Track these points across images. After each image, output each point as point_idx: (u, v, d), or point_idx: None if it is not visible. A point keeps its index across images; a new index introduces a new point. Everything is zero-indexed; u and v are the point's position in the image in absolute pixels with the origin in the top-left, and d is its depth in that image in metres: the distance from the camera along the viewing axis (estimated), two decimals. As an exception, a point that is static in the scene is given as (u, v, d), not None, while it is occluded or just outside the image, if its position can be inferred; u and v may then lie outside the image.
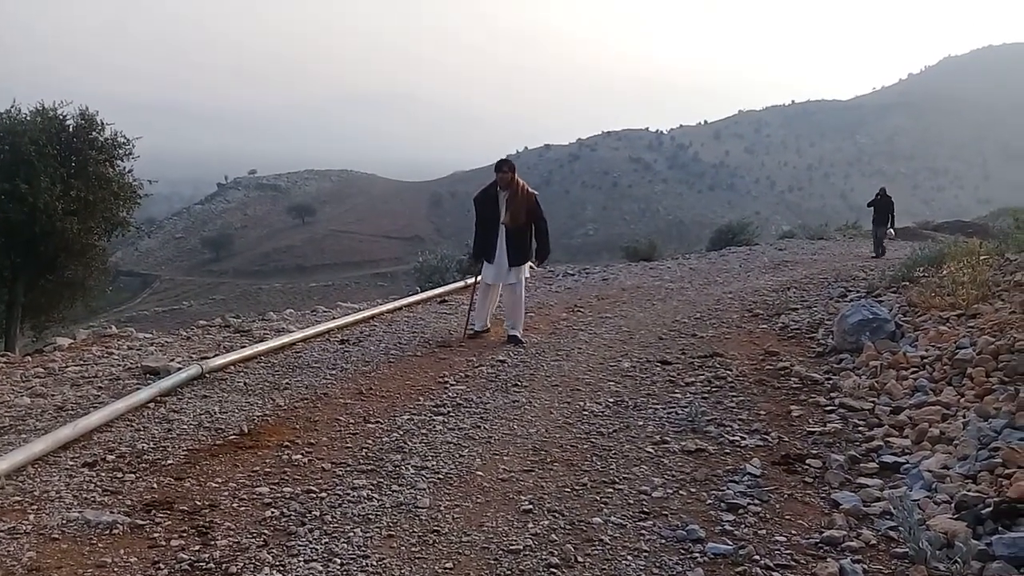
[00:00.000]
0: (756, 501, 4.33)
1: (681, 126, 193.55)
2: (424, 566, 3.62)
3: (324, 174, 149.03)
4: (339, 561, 3.65)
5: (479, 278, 9.16)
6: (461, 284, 13.00)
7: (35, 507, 4.28)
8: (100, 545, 3.82)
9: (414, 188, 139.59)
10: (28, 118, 15.65)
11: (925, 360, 6.43)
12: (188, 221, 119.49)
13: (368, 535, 3.92)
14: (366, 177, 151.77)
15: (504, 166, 8.65)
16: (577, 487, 4.55)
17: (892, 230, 20.88)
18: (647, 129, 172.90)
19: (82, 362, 7.88)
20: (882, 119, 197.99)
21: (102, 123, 16.33)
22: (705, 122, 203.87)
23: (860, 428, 5.50)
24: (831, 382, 6.64)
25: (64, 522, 4.06)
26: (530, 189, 8.70)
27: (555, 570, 3.58)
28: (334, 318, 10.07)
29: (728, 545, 3.79)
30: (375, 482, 4.62)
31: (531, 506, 4.26)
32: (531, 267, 9.84)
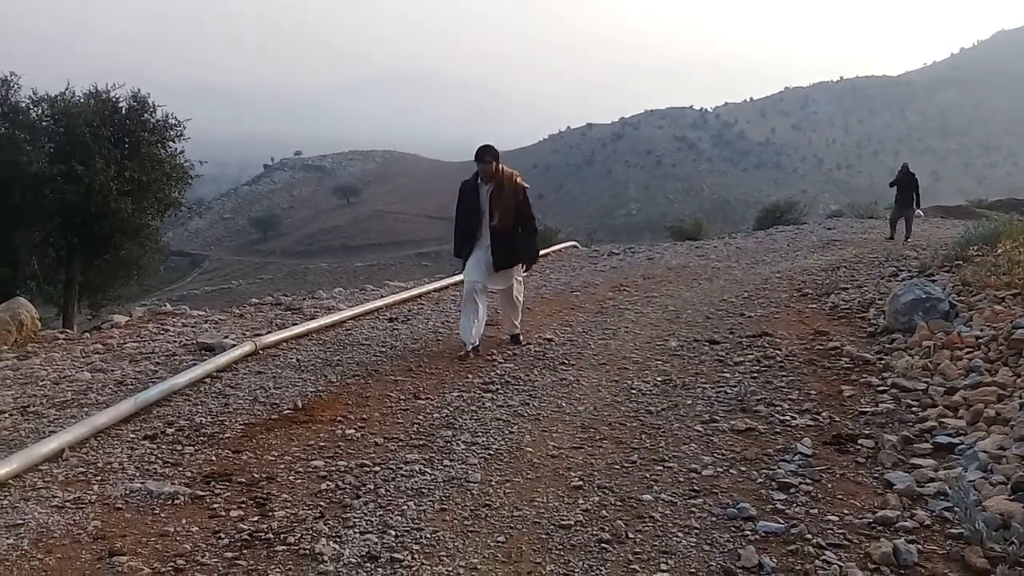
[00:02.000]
0: (807, 480, 4.31)
1: (726, 103, 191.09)
2: (477, 539, 3.68)
3: (368, 155, 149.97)
4: (393, 533, 3.72)
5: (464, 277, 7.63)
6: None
7: (99, 478, 4.42)
8: (162, 515, 3.94)
9: (457, 168, 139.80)
10: (82, 101, 15.98)
11: (980, 340, 6.32)
12: (236, 202, 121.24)
13: (422, 508, 3.99)
14: (409, 157, 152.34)
15: (487, 154, 7.11)
16: (626, 464, 4.57)
17: (920, 211, 19.72)
18: (691, 107, 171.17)
19: (139, 339, 8.08)
20: (933, 95, 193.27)
21: (154, 105, 16.62)
22: (751, 99, 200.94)
23: (913, 408, 5.44)
24: (883, 362, 6.56)
25: (127, 492, 4.20)
26: (520, 180, 7.29)
27: (606, 545, 3.61)
28: (382, 297, 10.18)
29: (780, 523, 3.79)
30: (427, 457, 4.69)
31: (581, 482, 4.30)
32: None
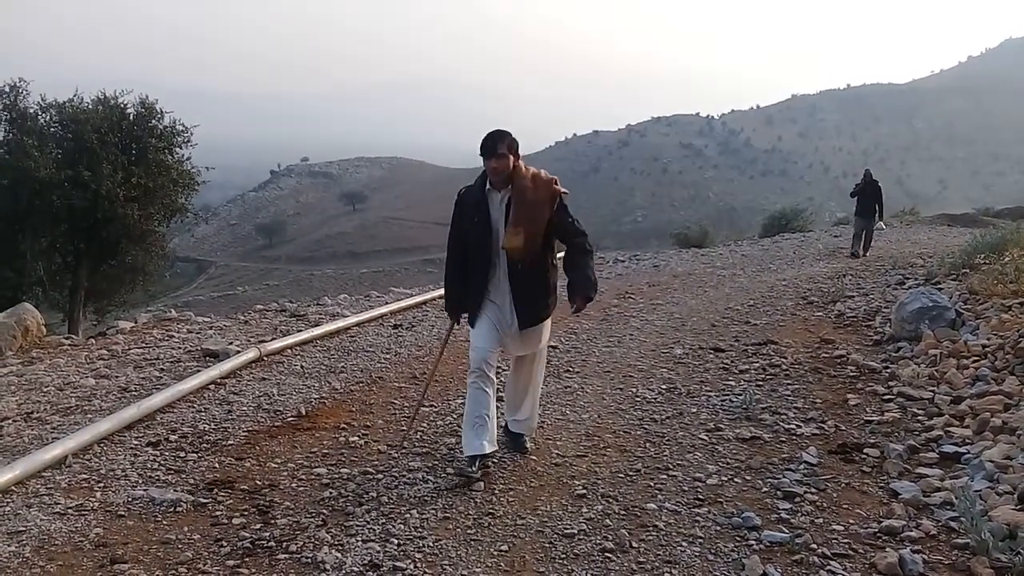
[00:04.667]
0: (813, 490, 4.28)
1: (732, 111, 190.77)
2: (480, 548, 3.67)
3: (375, 161, 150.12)
4: (396, 541, 3.70)
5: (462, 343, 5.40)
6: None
7: (102, 484, 4.42)
8: (165, 522, 3.94)
9: (462, 175, 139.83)
10: (90, 107, 16.02)
11: (987, 349, 6.28)
12: (242, 208, 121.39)
13: (424, 516, 3.97)
14: (415, 164, 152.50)
15: (499, 144, 4.46)
16: (631, 473, 4.55)
17: (882, 223, 17.85)
18: (697, 114, 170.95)
19: (144, 345, 8.09)
20: (940, 103, 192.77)
21: (161, 111, 16.66)
22: (757, 107, 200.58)
23: (919, 417, 5.41)
24: (889, 371, 6.53)
25: (130, 499, 4.19)
26: (551, 179, 4.63)
27: (610, 555, 3.59)
28: (387, 303, 10.17)
29: (784, 533, 3.76)
30: (430, 465, 4.67)
31: (585, 491, 4.28)
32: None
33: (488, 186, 4.58)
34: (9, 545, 3.65)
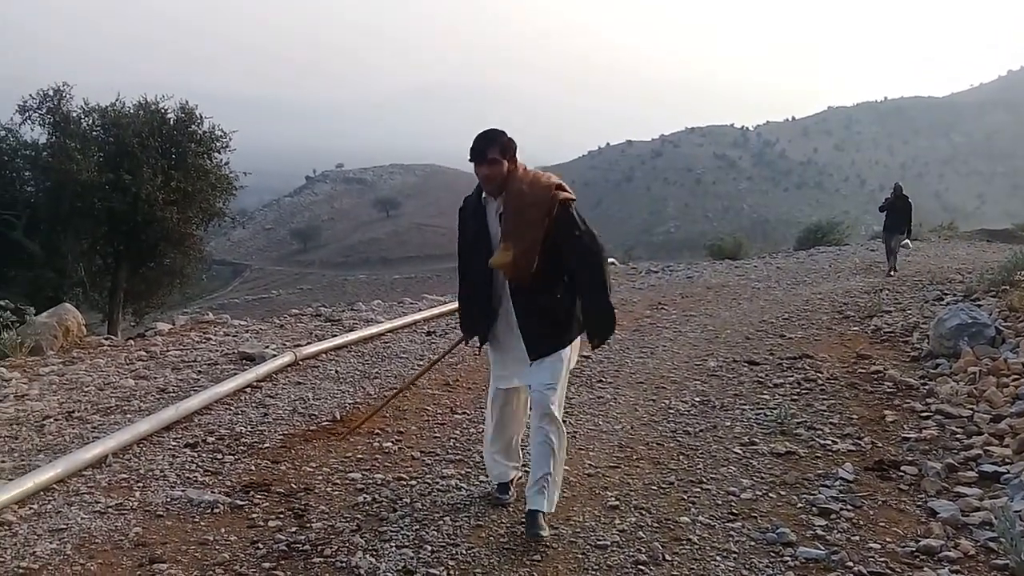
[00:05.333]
0: (849, 507, 4.24)
1: (768, 122, 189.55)
2: (512, 557, 3.67)
3: (409, 168, 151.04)
4: (429, 548, 3.72)
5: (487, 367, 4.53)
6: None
7: (141, 484, 4.49)
8: (202, 523, 3.99)
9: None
10: (131, 111, 16.31)
11: (1029, 367, 6.19)
12: (277, 212, 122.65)
13: (457, 524, 3.99)
14: (449, 171, 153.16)
15: (489, 148, 3.86)
16: (664, 485, 4.54)
17: (908, 241, 16.72)
18: (732, 125, 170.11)
19: (182, 347, 8.20)
20: (980, 116, 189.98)
21: (200, 117, 16.91)
22: (793, 118, 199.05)
23: (958, 436, 5.33)
24: (927, 387, 6.45)
25: (168, 500, 4.25)
26: (557, 188, 3.91)
27: (643, 567, 3.58)
28: (420, 310, 10.23)
29: (820, 550, 3.73)
30: (463, 472, 4.69)
31: (617, 502, 4.27)
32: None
33: (483, 195, 4.02)
34: (51, 543, 3.72)
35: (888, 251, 15.60)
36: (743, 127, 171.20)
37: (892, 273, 14.71)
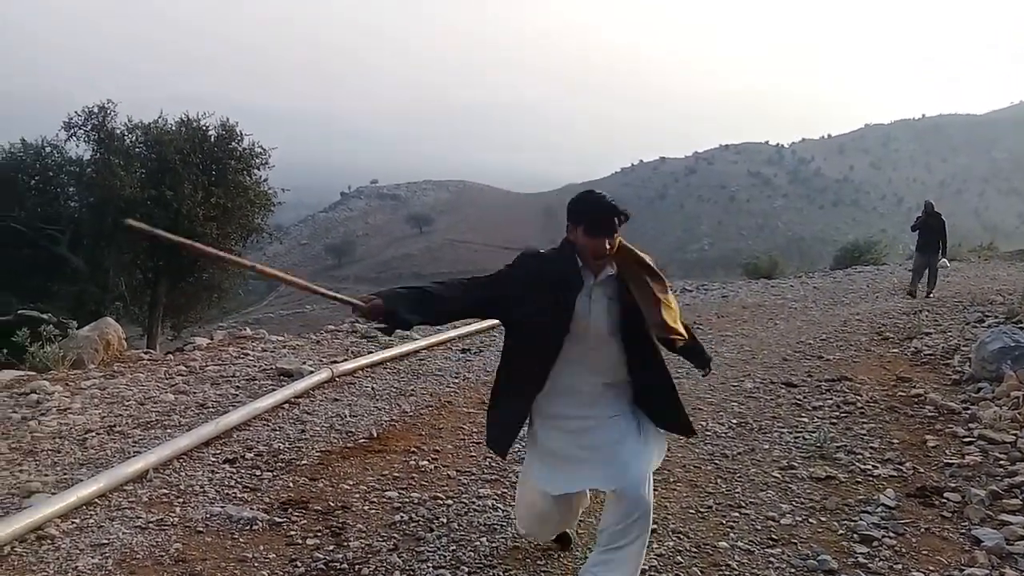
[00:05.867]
0: (891, 534, 4.18)
1: (803, 140, 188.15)
2: (549, 579, 3.66)
3: (442, 184, 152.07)
4: (466, 569, 3.72)
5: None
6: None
7: (181, 500, 4.53)
8: (241, 540, 4.02)
9: (527, 200, 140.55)
10: (173, 128, 16.63)
11: (1075, 393, 6.06)
12: (312, 228, 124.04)
13: (494, 545, 3.98)
14: (481, 188, 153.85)
15: (618, 216, 3.19)
16: (702, 509, 4.50)
17: (945, 260, 15.89)
18: (767, 142, 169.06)
19: (220, 362, 8.29)
20: (1020, 134, 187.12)
21: (241, 134, 17.22)
22: (828, 136, 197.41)
23: (1001, 462, 5.22)
24: (969, 412, 6.33)
25: (208, 516, 4.29)
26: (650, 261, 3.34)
27: (681, 592, 3.55)
28: (455, 327, 10.24)
29: (862, 578, 3.68)
30: (499, 492, 4.69)
31: (655, 526, 4.22)
32: None
33: (579, 264, 3.25)
34: (93, 557, 3.77)
35: (914, 271, 15.01)
36: (778, 144, 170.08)
37: (916, 294, 14.26)
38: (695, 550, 3.97)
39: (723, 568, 3.78)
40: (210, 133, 16.76)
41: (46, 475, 4.84)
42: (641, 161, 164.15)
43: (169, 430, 5.78)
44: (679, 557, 3.88)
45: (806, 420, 6.28)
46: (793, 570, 3.78)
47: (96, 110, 16.46)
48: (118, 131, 16.48)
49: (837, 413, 6.47)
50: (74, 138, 16.37)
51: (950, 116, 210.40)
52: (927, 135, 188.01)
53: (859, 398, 6.89)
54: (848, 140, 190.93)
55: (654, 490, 4.64)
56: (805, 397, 7.00)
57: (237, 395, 6.80)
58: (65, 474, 4.88)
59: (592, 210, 3.18)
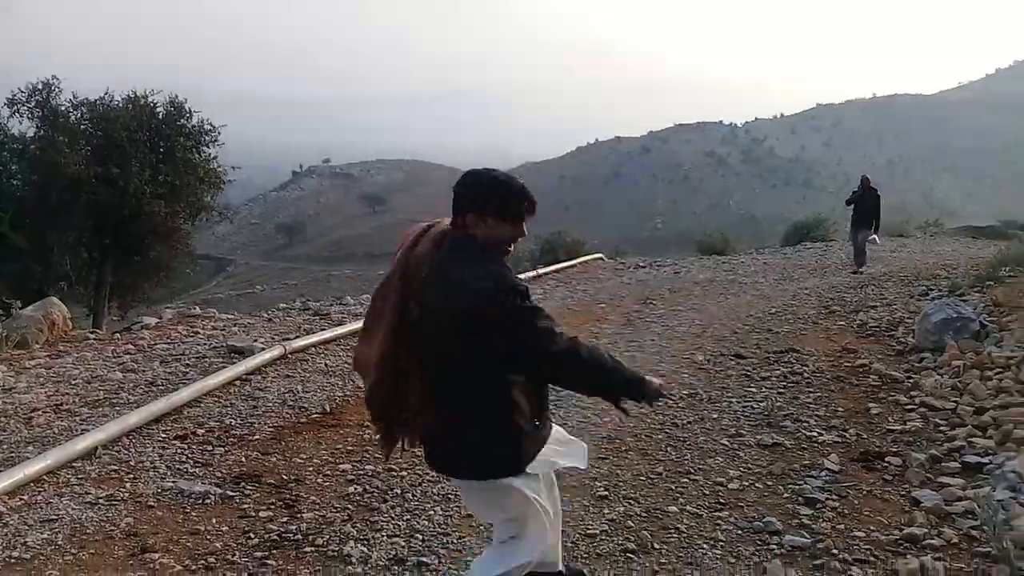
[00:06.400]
0: (834, 497, 4.29)
1: (756, 119, 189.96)
2: (503, 546, 3.70)
3: (395, 164, 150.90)
4: (421, 537, 3.76)
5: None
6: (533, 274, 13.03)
7: (131, 476, 4.51)
8: (193, 514, 4.01)
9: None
10: (120, 105, 16.25)
11: (1011, 361, 6.25)
12: (263, 207, 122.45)
13: (448, 514, 4.02)
14: (433, 167, 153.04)
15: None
16: (652, 476, 4.58)
17: (876, 236, 15.36)
18: (721, 122, 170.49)
19: (169, 340, 8.19)
20: (969, 114, 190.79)
21: (190, 111, 16.87)
22: (781, 115, 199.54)
23: (942, 428, 5.39)
24: (911, 381, 6.51)
25: (159, 491, 4.27)
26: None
27: (632, 555, 3.63)
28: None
29: (806, 538, 3.78)
30: (453, 463, 4.71)
31: (607, 492, 4.31)
32: None
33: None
34: (43, 533, 3.74)
35: (856, 248, 14.88)
36: (732, 124, 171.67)
37: (861, 271, 14.19)
38: (645, 514, 4.05)
39: (672, 531, 3.86)
40: (158, 110, 16.41)
41: (-9, 453, 4.77)
42: (597, 140, 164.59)
43: (117, 408, 5.72)
44: (629, 522, 3.96)
45: (755, 390, 6.40)
46: (739, 532, 3.87)
47: (40, 87, 16.03)
48: (63, 108, 16.06)
49: (784, 383, 6.61)
50: (17, 115, 15.93)
51: (900, 96, 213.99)
52: (877, 115, 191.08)
53: (806, 369, 7.04)
54: (800, 120, 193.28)
55: (606, 459, 4.72)
56: (754, 368, 7.13)
57: (187, 373, 6.74)
58: (11, 452, 4.82)
59: (525, 193, 2.74)
